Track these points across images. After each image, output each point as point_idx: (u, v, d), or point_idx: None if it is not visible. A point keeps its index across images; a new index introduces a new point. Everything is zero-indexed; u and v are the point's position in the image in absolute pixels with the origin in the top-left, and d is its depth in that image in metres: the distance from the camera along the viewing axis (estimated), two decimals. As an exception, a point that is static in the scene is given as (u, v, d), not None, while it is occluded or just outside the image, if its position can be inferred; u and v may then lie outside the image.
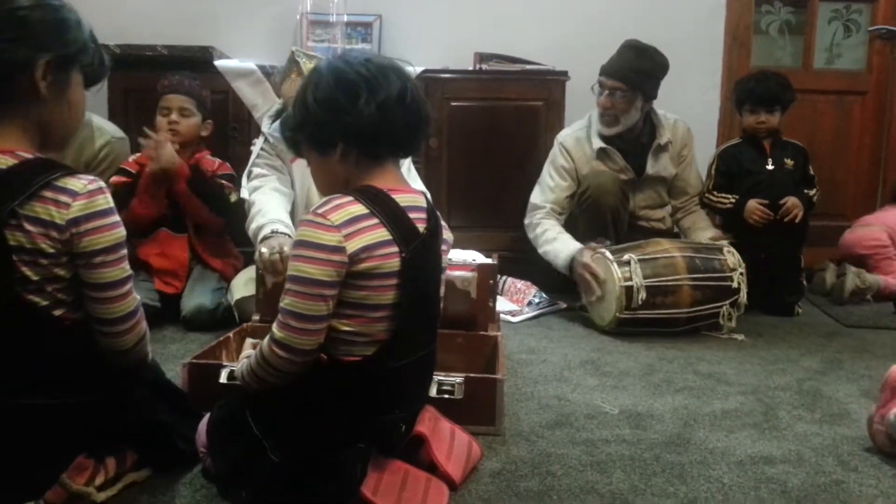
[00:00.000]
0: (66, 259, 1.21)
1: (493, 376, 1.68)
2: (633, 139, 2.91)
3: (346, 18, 3.37)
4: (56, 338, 1.23)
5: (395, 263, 1.25)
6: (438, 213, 1.42)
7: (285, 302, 1.22)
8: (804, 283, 2.98)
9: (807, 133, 3.29)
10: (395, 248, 1.25)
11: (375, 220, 1.24)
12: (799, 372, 2.17)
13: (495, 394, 1.65)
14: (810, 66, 3.67)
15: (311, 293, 1.20)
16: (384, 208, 1.26)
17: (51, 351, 1.23)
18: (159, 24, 3.40)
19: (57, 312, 1.23)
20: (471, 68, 3.32)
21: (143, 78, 2.87)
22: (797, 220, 2.81)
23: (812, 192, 2.92)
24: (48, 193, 1.19)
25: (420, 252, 1.29)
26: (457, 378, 1.65)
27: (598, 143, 2.89)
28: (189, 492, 1.36)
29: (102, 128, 2.72)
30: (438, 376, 1.65)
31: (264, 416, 1.29)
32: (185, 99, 2.63)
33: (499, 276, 2.70)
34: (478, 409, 1.64)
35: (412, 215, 1.31)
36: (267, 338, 1.25)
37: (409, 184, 1.40)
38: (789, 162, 2.93)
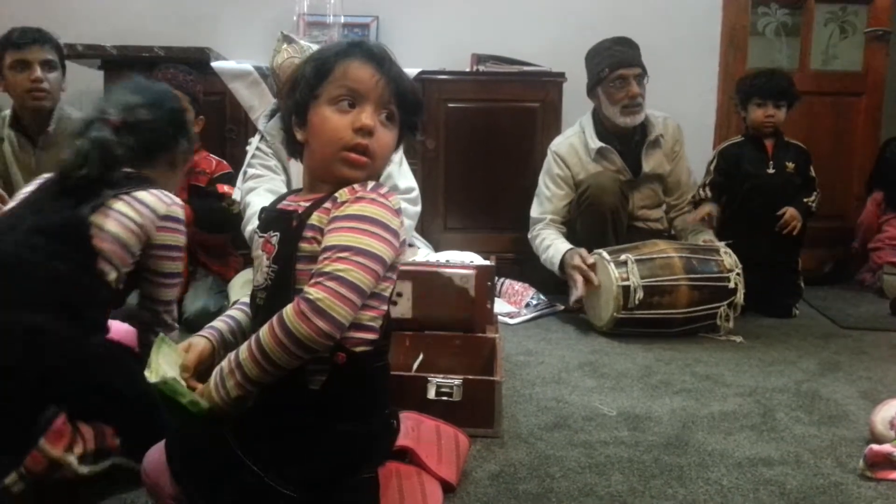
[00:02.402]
0: None
1: (492, 378, 1.68)
2: (628, 138, 2.92)
3: (343, 19, 3.37)
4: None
5: (402, 259, 1.25)
6: None
7: (337, 268, 1.09)
8: (802, 284, 2.98)
9: (804, 134, 3.29)
10: (400, 241, 1.22)
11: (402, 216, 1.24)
12: (797, 373, 2.17)
13: (493, 396, 1.65)
14: (807, 68, 3.67)
15: (374, 269, 1.12)
16: (395, 203, 1.23)
17: None
18: (156, 25, 3.40)
19: None
20: (468, 70, 3.33)
21: (140, 79, 2.86)
22: (794, 233, 2.82)
23: (811, 199, 2.91)
24: None
25: None
26: (455, 380, 1.65)
27: (595, 144, 2.89)
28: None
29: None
30: (437, 378, 1.65)
31: (257, 446, 1.13)
32: (180, 95, 2.60)
33: (496, 277, 2.70)
34: (476, 411, 1.64)
35: None
36: (290, 306, 1.09)
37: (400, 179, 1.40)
38: (790, 165, 2.92)
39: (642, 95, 2.84)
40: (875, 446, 1.52)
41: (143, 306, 1.61)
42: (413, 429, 1.43)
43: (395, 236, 1.17)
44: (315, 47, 2.47)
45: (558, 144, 2.98)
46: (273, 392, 1.14)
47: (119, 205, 1.50)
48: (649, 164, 2.94)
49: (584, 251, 2.64)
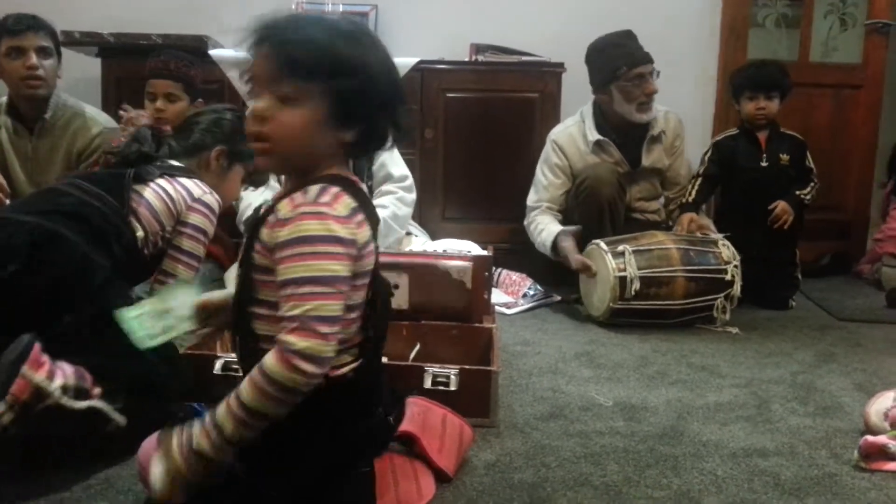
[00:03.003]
0: None
1: (488, 368, 1.68)
2: (629, 132, 2.91)
3: (341, 8, 3.36)
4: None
5: (372, 262, 1.16)
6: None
7: (306, 308, 1.05)
8: (799, 276, 2.98)
9: (802, 126, 3.28)
10: (373, 245, 1.16)
11: (362, 215, 1.14)
12: (792, 365, 2.18)
13: (490, 386, 1.65)
14: (806, 60, 3.67)
15: (337, 291, 1.07)
16: (364, 203, 1.16)
17: None
18: (154, 12, 3.38)
19: None
20: (467, 60, 3.32)
21: (137, 67, 2.84)
22: (785, 227, 2.82)
23: (806, 191, 2.90)
24: None
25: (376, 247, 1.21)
26: (452, 370, 1.65)
27: (594, 136, 2.88)
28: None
29: (95, 118, 2.70)
30: (433, 368, 1.66)
31: (248, 450, 1.11)
32: (170, 84, 2.58)
33: (494, 268, 2.70)
34: (472, 400, 1.64)
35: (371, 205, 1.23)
36: (272, 358, 1.05)
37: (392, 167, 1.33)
38: (784, 157, 2.91)
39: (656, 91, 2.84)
40: (870, 437, 1.53)
41: (157, 280, 1.77)
42: (419, 415, 1.43)
43: (346, 245, 1.08)
44: None
45: (557, 133, 2.97)
46: None
47: (161, 181, 1.76)
48: (649, 158, 2.93)
49: (573, 230, 2.68)
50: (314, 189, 1.11)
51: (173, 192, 1.76)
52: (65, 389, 1.30)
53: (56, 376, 1.30)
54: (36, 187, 2.43)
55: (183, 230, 1.77)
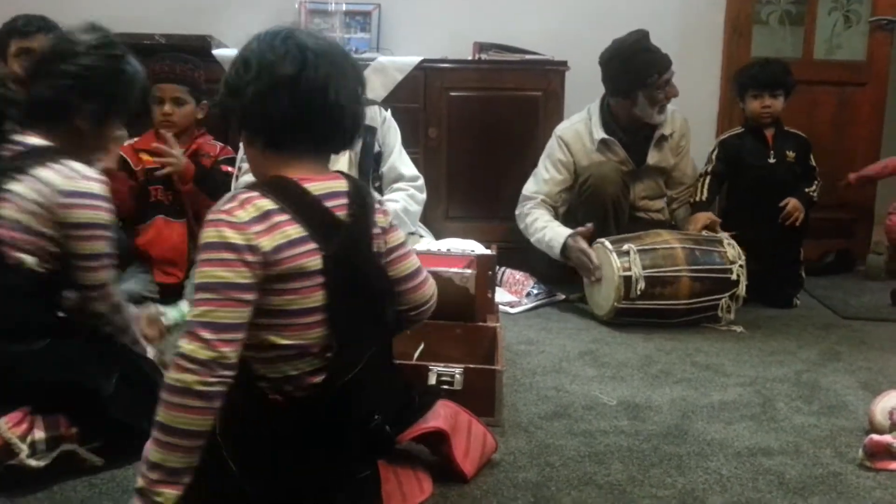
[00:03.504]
0: None
1: (492, 367, 1.68)
2: (637, 130, 2.90)
3: (344, 7, 3.36)
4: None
5: (315, 262, 1.15)
6: (368, 193, 1.29)
7: (195, 313, 1.09)
8: (803, 275, 2.98)
9: (806, 124, 3.27)
10: (312, 245, 1.15)
11: (286, 216, 1.14)
12: (797, 364, 2.18)
13: (494, 385, 1.66)
14: (810, 57, 3.65)
15: (228, 298, 1.09)
16: (296, 201, 1.16)
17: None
18: (157, 12, 3.38)
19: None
20: (470, 58, 3.31)
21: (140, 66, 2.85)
22: (797, 224, 2.82)
23: (813, 189, 2.90)
24: None
25: (348, 244, 1.20)
26: (456, 369, 1.66)
27: (600, 135, 2.87)
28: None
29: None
30: (438, 367, 1.66)
31: (244, 459, 1.16)
32: (177, 88, 2.58)
33: (497, 267, 2.70)
34: (477, 399, 1.64)
35: (329, 203, 1.20)
36: (170, 369, 1.09)
37: (331, 169, 1.27)
38: (791, 154, 2.91)
39: None
40: (875, 436, 1.53)
41: (90, 298, 1.48)
42: (450, 416, 1.42)
43: (238, 251, 1.09)
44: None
45: (564, 129, 2.96)
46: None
47: (15, 185, 1.40)
48: (654, 157, 2.93)
49: (583, 231, 2.66)
50: (226, 196, 1.16)
51: (38, 196, 1.40)
52: (34, 446, 1.34)
53: (31, 432, 1.34)
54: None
55: (71, 232, 1.43)
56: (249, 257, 1.10)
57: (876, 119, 3.68)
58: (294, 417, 1.17)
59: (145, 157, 2.59)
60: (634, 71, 2.78)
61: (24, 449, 1.32)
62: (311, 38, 1.22)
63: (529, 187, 2.97)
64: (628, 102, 2.84)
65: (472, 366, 1.68)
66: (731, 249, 2.55)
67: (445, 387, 1.64)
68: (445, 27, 3.48)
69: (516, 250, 3.07)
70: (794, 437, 1.66)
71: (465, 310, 1.99)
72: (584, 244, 2.63)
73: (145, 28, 3.07)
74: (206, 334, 1.08)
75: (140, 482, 1.09)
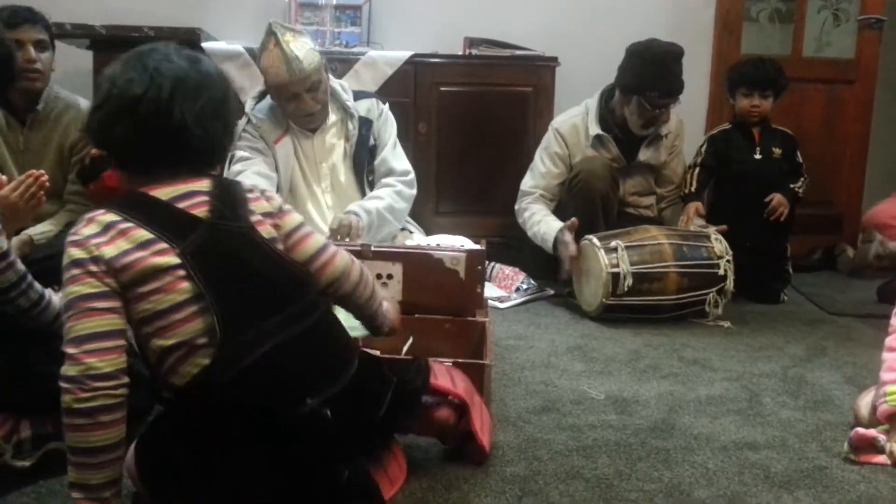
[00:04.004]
0: None
1: (481, 362, 1.68)
2: (628, 130, 2.90)
3: (334, 1, 3.34)
4: None
5: (169, 259, 1.15)
6: (233, 187, 1.28)
7: (64, 332, 1.11)
8: (790, 270, 3.00)
9: (795, 121, 3.29)
10: (163, 245, 1.15)
11: (130, 224, 1.15)
12: (784, 359, 2.19)
13: (483, 379, 1.65)
14: (800, 55, 3.67)
15: (82, 310, 1.11)
16: (141, 209, 1.17)
17: None
18: (146, 5, 3.36)
19: None
20: (460, 53, 3.31)
21: (129, 59, 2.84)
22: (782, 219, 2.83)
23: (798, 185, 2.93)
24: None
25: (212, 236, 1.19)
26: (445, 363, 1.65)
27: (595, 130, 2.87)
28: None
29: (88, 111, 2.68)
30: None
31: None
32: None
33: (487, 262, 2.70)
34: (465, 394, 1.65)
35: (185, 203, 1.20)
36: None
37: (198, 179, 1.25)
38: (777, 151, 2.94)
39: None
40: (860, 430, 1.54)
41: None
42: (468, 392, 1.47)
43: (82, 265, 1.12)
44: (304, 44, 2.45)
45: (561, 123, 2.96)
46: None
47: None
48: (645, 154, 2.93)
49: (569, 225, 2.67)
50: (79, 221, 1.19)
51: None
52: (20, 446, 1.34)
53: (17, 432, 1.35)
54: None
55: None
56: (93, 267, 1.12)
57: (864, 117, 3.71)
58: (191, 414, 1.16)
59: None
60: (642, 76, 2.76)
61: (9, 450, 1.32)
62: (165, 58, 1.25)
63: (527, 182, 2.97)
64: (624, 100, 2.85)
65: (460, 360, 1.68)
66: (718, 245, 2.56)
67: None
68: (436, 22, 3.48)
69: (506, 246, 3.08)
70: (780, 431, 1.67)
71: (454, 295, 2.00)
72: (567, 237, 2.64)
73: (134, 20, 3.06)
74: (70, 349, 1.10)
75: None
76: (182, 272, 1.15)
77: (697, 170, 2.96)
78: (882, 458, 1.50)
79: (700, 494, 1.38)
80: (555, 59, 3.23)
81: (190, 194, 1.21)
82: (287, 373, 1.18)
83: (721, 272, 2.52)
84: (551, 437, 1.60)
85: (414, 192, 2.73)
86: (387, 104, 2.75)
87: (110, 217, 1.16)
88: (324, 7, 3.32)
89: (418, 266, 2.01)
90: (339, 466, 1.21)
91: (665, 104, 2.78)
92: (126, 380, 1.11)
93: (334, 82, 2.67)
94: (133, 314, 1.15)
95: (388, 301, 1.49)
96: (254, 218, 1.25)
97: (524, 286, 2.84)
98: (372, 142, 2.66)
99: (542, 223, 2.81)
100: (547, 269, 2.91)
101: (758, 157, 2.92)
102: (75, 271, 1.12)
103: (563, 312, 2.66)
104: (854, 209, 3.75)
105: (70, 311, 1.11)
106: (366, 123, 2.65)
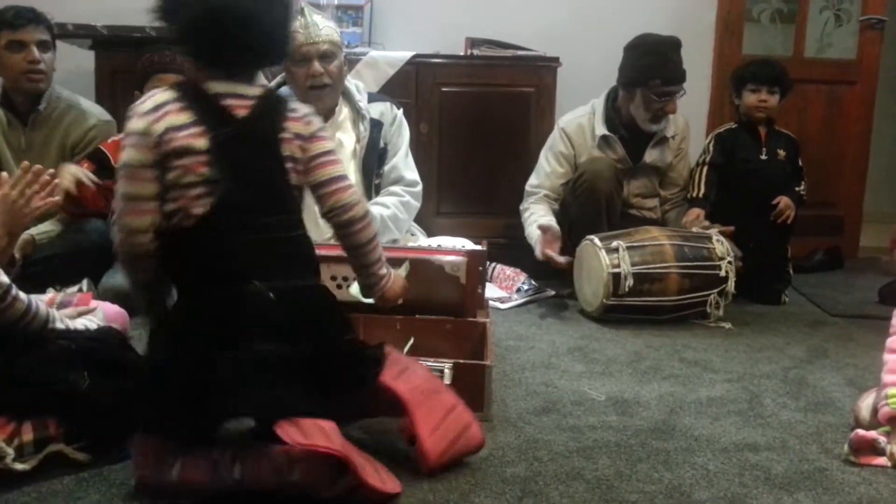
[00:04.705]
0: None
1: (482, 363, 1.69)
2: (638, 130, 2.90)
3: (336, 1, 3.35)
4: None
5: (201, 143, 1.33)
6: (279, 104, 1.44)
7: (117, 187, 1.35)
8: (791, 272, 3.00)
9: (796, 122, 3.30)
10: (200, 128, 1.33)
11: (180, 104, 1.34)
12: (784, 360, 2.19)
13: (483, 380, 1.66)
14: (801, 55, 3.67)
15: (132, 175, 1.33)
16: (190, 95, 1.36)
17: None
18: (148, 5, 3.36)
19: None
20: (462, 53, 3.31)
21: (131, 59, 2.83)
22: (788, 222, 2.83)
23: (801, 188, 2.93)
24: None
25: (238, 135, 1.36)
26: (445, 364, 1.66)
27: (601, 130, 2.87)
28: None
29: (90, 111, 2.68)
30: (427, 362, 1.66)
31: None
32: (179, 77, 2.57)
33: (488, 262, 2.70)
34: (466, 395, 1.63)
35: (229, 102, 1.37)
36: None
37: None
38: (782, 153, 2.93)
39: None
40: (861, 431, 1.54)
41: None
42: (420, 392, 1.41)
43: (135, 135, 1.32)
44: (327, 21, 2.48)
45: (567, 122, 2.95)
46: None
47: None
48: (651, 155, 2.93)
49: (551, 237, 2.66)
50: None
51: None
52: (21, 449, 1.34)
53: (18, 435, 1.35)
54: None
55: None
56: (144, 140, 1.32)
57: (865, 117, 3.71)
58: (164, 244, 1.37)
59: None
60: (641, 67, 2.77)
61: (11, 452, 1.32)
62: None
63: (532, 181, 2.96)
64: (628, 96, 2.84)
65: (461, 361, 1.69)
66: (720, 246, 2.56)
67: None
68: (437, 22, 3.48)
69: (507, 246, 3.08)
70: (780, 432, 1.67)
71: (454, 300, 2.00)
72: (548, 251, 2.63)
73: (136, 21, 3.05)
74: (120, 205, 1.35)
75: None
76: (205, 157, 1.33)
77: (705, 169, 2.93)
78: (882, 461, 1.50)
79: (700, 496, 1.38)
80: (556, 60, 3.23)
81: (239, 96, 1.38)
82: (246, 253, 1.35)
83: (722, 273, 2.52)
84: (552, 438, 1.60)
85: (419, 204, 2.70)
86: (401, 110, 2.72)
87: (164, 96, 1.35)
88: (325, 7, 3.32)
89: (419, 272, 2.01)
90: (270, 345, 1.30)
91: (669, 93, 2.77)
92: (152, 234, 1.35)
93: (350, 83, 2.64)
94: (164, 179, 1.34)
95: (395, 273, 1.60)
96: (283, 134, 1.41)
97: (525, 287, 2.84)
98: (382, 144, 2.64)
99: (531, 225, 2.81)
100: (548, 269, 2.90)
101: (763, 157, 2.92)
102: (131, 140, 1.34)
103: (563, 313, 2.65)
104: (855, 210, 3.75)
105: (123, 172, 1.34)
106: (377, 126, 2.62)
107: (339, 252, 1.59)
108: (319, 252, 1.48)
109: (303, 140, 1.43)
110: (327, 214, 1.47)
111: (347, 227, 1.47)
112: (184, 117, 1.33)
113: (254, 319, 1.31)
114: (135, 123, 1.33)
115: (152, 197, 1.34)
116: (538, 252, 2.66)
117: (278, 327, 1.32)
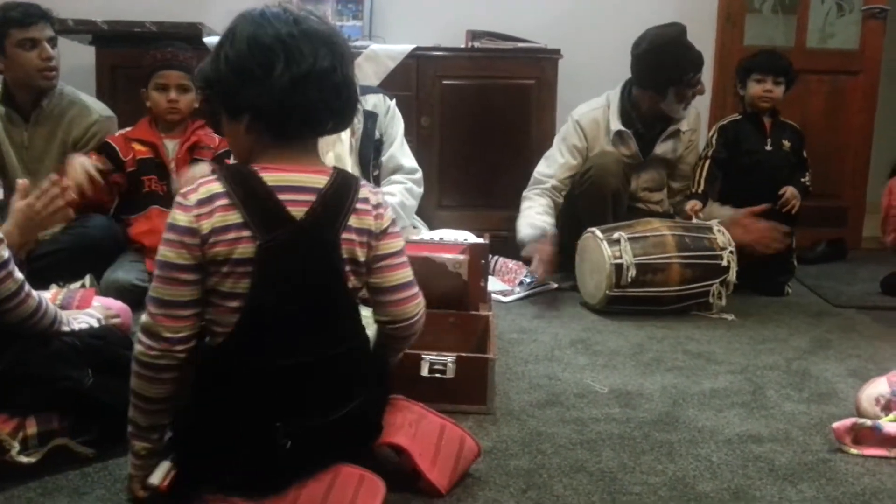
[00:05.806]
0: None
1: (485, 356, 1.69)
2: (654, 123, 2.89)
3: (337, -5, 3.34)
4: None
5: (247, 250, 1.15)
6: (348, 194, 1.23)
7: (151, 287, 1.18)
8: (794, 263, 2.99)
9: (799, 112, 3.28)
10: (247, 233, 1.14)
11: (228, 201, 1.15)
12: (788, 351, 2.19)
13: (486, 373, 1.66)
14: (803, 46, 3.66)
15: (169, 277, 1.16)
16: (243, 187, 1.16)
17: None
18: (148, 1, 3.36)
19: None
20: (463, 46, 3.30)
21: (132, 54, 2.84)
22: (794, 212, 2.82)
23: (806, 179, 2.92)
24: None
25: (290, 240, 1.17)
26: (448, 357, 1.66)
27: (616, 126, 2.86)
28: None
29: (92, 107, 2.68)
30: (430, 356, 1.66)
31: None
32: (181, 75, 2.55)
33: (490, 255, 2.70)
34: (469, 388, 1.65)
35: (287, 196, 1.17)
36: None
37: (323, 161, 1.26)
38: (786, 144, 2.92)
39: None
40: (837, 423, 1.54)
41: None
42: (412, 424, 1.35)
43: (179, 233, 1.15)
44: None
45: (582, 115, 2.93)
46: None
47: None
48: (661, 148, 2.92)
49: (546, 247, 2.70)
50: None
51: None
52: (26, 442, 1.35)
53: (23, 428, 1.35)
54: (31, 176, 2.42)
55: None
56: (189, 239, 1.15)
57: (868, 108, 3.70)
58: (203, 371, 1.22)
59: (137, 146, 2.58)
60: (672, 67, 2.75)
61: (16, 446, 1.32)
62: (310, 18, 1.21)
63: (541, 170, 2.95)
64: (657, 97, 2.81)
65: (464, 354, 1.69)
66: (721, 236, 2.55)
67: (437, 375, 1.64)
68: (438, 15, 3.47)
69: (509, 239, 3.07)
70: (784, 424, 1.67)
71: (457, 296, 2.00)
72: (537, 264, 2.68)
73: (136, 16, 3.05)
74: (152, 308, 1.18)
75: (133, 443, 1.25)
76: (248, 268, 1.16)
77: (707, 163, 2.91)
78: (884, 451, 1.50)
79: (704, 487, 1.38)
80: (557, 52, 3.22)
81: (298, 189, 1.19)
82: (277, 389, 1.19)
83: (724, 263, 2.51)
84: (555, 430, 1.60)
85: (422, 190, 2.74)
86: (394, 100, 2.73)
87: (216, 187, 1.16)
88: (326, 0, 3.31)
89: (420, 270, 2.01)
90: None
91: (700, 79, 2.82)
92: (191, 344, 1.20)
93: None
94: (205, 283, 1.18)
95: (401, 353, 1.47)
96: (346, 235, 1.22)
97: (527, 280, 2.84)
98: (377, 135, 2.65)
99: (524, 220, 2.83)
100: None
101: (768, 148, 2.90)
102: (172, 236, 1.16)
103: (566, 306, 2.65)
104: (858, 200, 3.74)
105: (160, 272, 1.17)
106: (371, 117, 2.63)
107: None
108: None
109: (371, 237, 1.25)
110: (386, 323, 1.32)
111: (405, 341, 1.37)
112: (232, 217, 1.14)
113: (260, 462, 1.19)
114: (180, 216, 1.15)
115: (190, 303, 1.17)
116: (525, 252, 2.71)
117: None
